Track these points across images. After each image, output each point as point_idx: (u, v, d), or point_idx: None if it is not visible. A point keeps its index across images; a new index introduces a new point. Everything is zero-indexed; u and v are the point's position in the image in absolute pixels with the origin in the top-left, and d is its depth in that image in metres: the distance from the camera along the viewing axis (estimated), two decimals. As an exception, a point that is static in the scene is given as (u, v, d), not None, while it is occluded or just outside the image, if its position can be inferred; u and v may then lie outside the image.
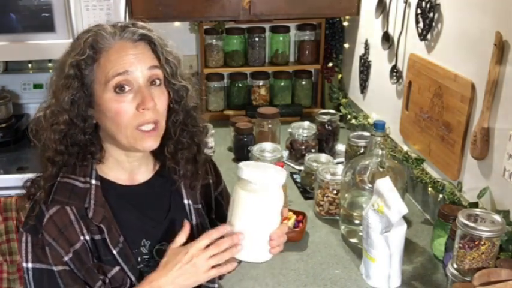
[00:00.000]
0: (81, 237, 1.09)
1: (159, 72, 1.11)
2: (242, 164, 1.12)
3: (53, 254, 1.07)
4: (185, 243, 1.12)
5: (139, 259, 1.16)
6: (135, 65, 1.06)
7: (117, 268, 1.12)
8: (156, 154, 1.22)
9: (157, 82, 1.10)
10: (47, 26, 2.00)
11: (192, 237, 1.19)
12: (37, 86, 2.49)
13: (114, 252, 1.11)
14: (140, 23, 1.13)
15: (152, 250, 1.18)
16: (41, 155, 1.12)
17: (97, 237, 1.10)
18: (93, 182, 1.12)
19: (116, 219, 1.13)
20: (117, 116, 1.06)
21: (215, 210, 1.34)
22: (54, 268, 1.07)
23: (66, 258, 1.07)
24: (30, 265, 1.08)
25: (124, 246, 1.13)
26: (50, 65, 2.51)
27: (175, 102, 1.16)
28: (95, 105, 1.09)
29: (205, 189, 1.30)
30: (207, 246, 1.08)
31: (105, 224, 1.11)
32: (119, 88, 1.05)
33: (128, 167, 1.18)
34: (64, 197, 1.09)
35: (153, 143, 1.11)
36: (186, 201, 1.24)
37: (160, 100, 1.10)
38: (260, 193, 1.08)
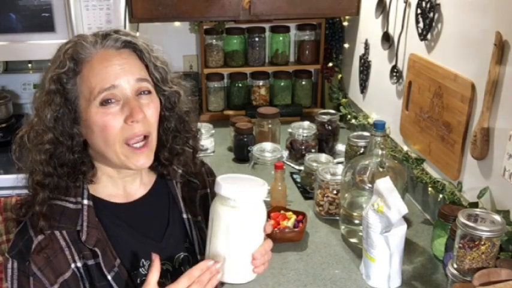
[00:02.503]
0: (72, 265, 1.01)
1: (148, 84, 1.05)
2: (220, 178, 1.02)
3: (36, 285, 0.99)
4: (187, 258, 1.10)
5: (138, 281, 1.08)
6: (120, 76, 1.00)
7: None
8: (152, 165, 1.13)
9: (146, 92, 1.04)
10: (47, 26, 2.00)
11: (193, 253, 1.17)
12: (37, 86, 2.48)
13: (109, 277, 1.03)
14: (123, 30, 1.07)
15: None
16: (29, 180, 1.04)
17: (90, 262, 1.03)
18: (85, 202, 1.05)
19: (111, 240, 1.06)
20: (104, 130, 1.00)
21: None
22: None
23: None
24: None
25: (120, 270, 1.05)
26: (49, 65, 2.51)
27: (167, 109, 1.10)
28: (81, 121, 1.02)
29: (204, 199, 1.25)
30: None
31: (100, 247, 1.03)
32: (105, 101, 1.00)
33: (120, 183, 1.11)
34: (54, 221, 1.01)
35: (145, 160, 1.04)
36: (184, 216, 1.18)
37: (150, 110, 1.03)
38: (240, 210, 1.00)
